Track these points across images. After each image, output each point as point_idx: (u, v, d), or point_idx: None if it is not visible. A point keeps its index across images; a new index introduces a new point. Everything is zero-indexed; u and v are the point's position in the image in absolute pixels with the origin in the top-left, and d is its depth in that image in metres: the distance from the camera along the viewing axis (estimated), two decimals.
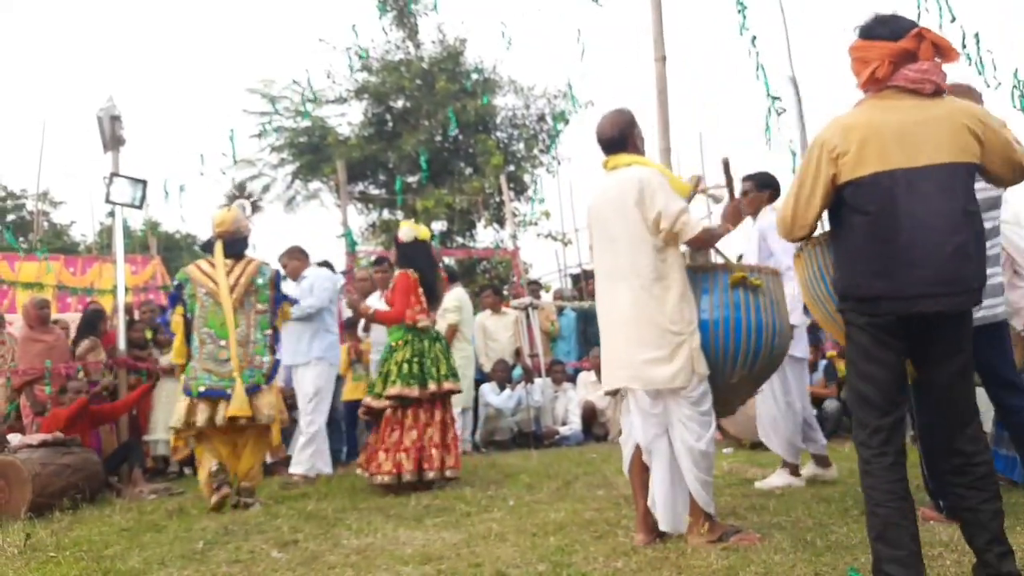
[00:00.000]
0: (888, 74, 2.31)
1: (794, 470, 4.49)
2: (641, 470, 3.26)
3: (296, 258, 6.10)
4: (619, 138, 3.32)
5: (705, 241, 3.18)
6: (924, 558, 2.57)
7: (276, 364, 4.76)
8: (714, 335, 3.14)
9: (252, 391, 4.59)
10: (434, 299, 5.34)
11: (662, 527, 3.17)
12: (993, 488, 2.32)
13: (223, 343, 4.62)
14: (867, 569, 2.58)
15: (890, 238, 2.26)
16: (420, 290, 5.14)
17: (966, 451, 2.33)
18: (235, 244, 4.78)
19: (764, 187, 4.64)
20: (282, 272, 5.22)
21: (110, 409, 6.00)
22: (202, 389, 4.59)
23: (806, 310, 5.15)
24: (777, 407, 4.44)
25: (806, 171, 2.41)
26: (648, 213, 3.09)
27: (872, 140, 2.28)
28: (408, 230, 5.32)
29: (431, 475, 4.91)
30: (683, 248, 3.28)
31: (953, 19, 5.28)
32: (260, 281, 4.74)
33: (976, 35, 5.67)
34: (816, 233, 2.60)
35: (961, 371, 2.35)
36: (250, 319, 4.68)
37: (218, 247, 4.75)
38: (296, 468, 5.61)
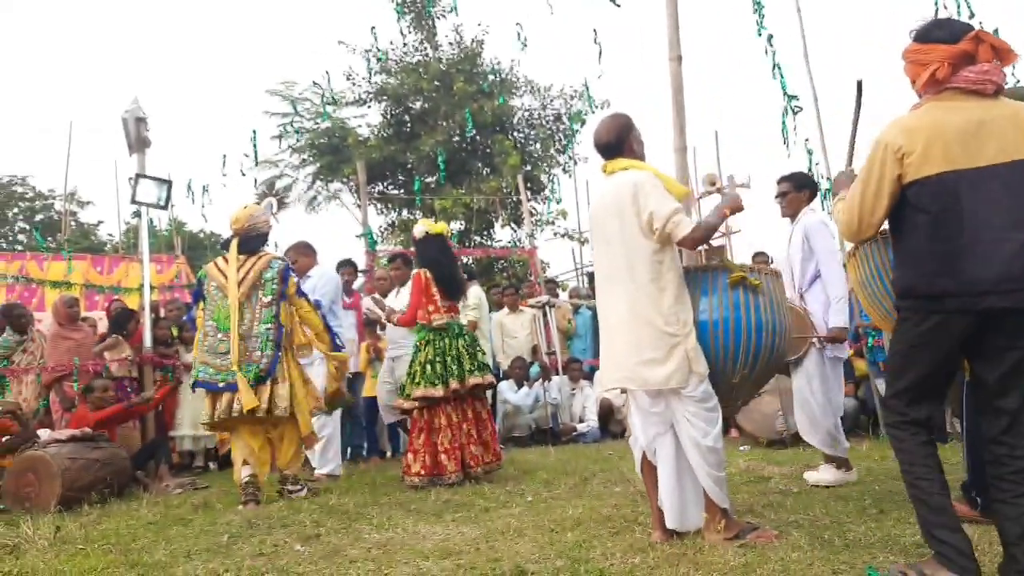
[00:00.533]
0: (947, 75, 2.37)
1: (840, 463, 4.42)
2: (652, 469, 3.28)
3: (303, 254, 6.01)
4: (615, 143, 3.33)
5: (700, 238, 3.13)
6: None
7: (275, 358, 4.66)
8: (714, 335, 3.15)
9: (254, 384, 4.58)
10: (455, 290, 5.31)
11: (669, 525, 3.18)
12: None
13: (222, 336, 4.65)
14: (885, 567, 2.61)
15: (953, 237, 2.32)
16: (434, 288, 5.16)
17: (1009, 443, 2.38)
18: (250, 241, 4.84)
19: (802, 187, 4.58)
20: (292, 267, 5.20)
21: (135, 410, 6.10)
22: (193, 380, 4.72)
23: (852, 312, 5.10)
24: (816, 403, 4.41)
25: (870, 172, 2.45)
26: (641, 215, 3.10)
27: (936, 141, 2.33)
28: (420, 226, 5.34)
29: (479, 471, 4.99)
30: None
31: (972, 15, 5.23)
32: (268, 275, 4.74)
33: (995, 31, 5.63)
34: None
35: (1016, 366, 2.37)
36: (255, 313, 4.69)
37: (233, 243, 4.83)
38: (322, 469, 5.68)
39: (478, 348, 5.31)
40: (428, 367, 5.02)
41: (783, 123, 5.15)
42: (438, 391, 4.96)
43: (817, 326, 4.40)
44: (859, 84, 3.22)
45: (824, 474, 4.42)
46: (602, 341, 3.38)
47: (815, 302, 4.47)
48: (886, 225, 2.62)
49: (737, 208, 3.24)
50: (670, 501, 3.17)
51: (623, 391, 3.40)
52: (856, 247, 2.92)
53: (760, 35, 4.87)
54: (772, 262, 8.16)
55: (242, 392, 4.54)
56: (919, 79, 2.44)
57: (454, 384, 4.99)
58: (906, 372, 2.50)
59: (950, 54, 2.36)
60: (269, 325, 4.68)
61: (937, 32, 2.42)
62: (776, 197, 4.67)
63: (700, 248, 3.29)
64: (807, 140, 6.16)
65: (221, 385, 4.59)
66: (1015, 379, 2.39)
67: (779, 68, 4.92)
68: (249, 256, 4.79)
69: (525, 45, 7.16)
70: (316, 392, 5.00)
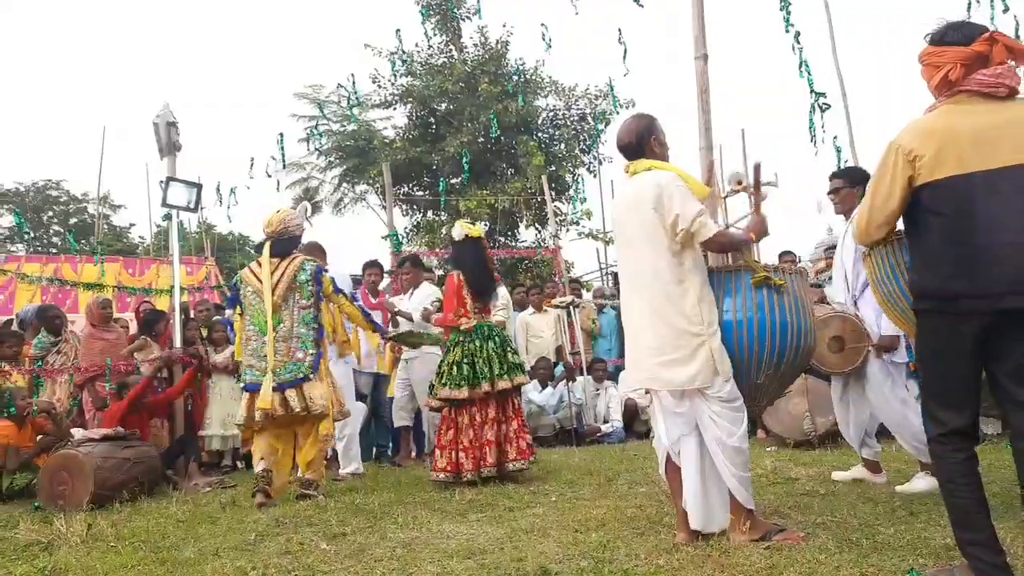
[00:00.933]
0: (960, 77, 2.39)
1: (872, 467, 4.26)
2: (676, 470, 3.26)
3: (315, 255, 5.99)
4: (636, 144, 3.33)
5: (722, 244, 3.17)
6: None
7: (318, 356, 4.79)
8: (738, 336, 3.13)
9: (295, 384, 4.68)
10: (484, 294, 5.30)
11: (693, 526, 3.16)
12: None
13: (264, 339, 4.75)
14: (920, 570, 2.60)
15: (967, 239, 2.33)
16: (465, 291, 5.18)
17: None
18: (282, 244, 4.92)
19: (857, 183, 4.32)
20: (324, 268, 5.21)
21: (164, 397, 6.18)
22: (243, 384, 4.86)
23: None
24: (898, 405, 4.22)
25: (882, 175, 2.47)
26: (666, 217, 3.10)
27: (950, 144, 2.35)
28: (458, 228, 5.37)
29: (486, 472, 4.96)
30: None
31: (1006, 9, 5.13)
32: (302, 277, 4.82)
33: None
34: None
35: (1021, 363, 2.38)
36: (294, 315, 4.78)
37: (266, 247, 4.91)
38: (346, 468, 5.74)
39: (509, 349, 5.26)
40: (455, 368, 5.06)
41: (810, 121, 5.07)
42: (462, 393, 4.99)
43: (871, 333, 4.22)
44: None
45: (919, 483, 4.05)
46: (626, 342, 3.39)
47: (867, 307, 4.25)
48: (901, 226, 2.61)
49: (762, 234, 3.25)
50: (694, 502, 3.16)
51: (647, 391, 3.40)
52: (871, 248, 2.92)
53: (787, 31, 4.81)
54: (800, 261, 8.08)
55: (263, 393, 4.63)
56: (933, 81, 2.45)
57: (485, 387, 4.99)
58: (934, 377, 2.51)
59: (963, 56, 2.38)
60: (310, 326, 4.79)
61: (952, 34, 2.44)
62: (829, 193, 4.50)
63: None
64: (835, 138, 6.07)
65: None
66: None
67: (806, 65, 4.85)
68: (282, 259, 4.87)
69: (550, 46, 7.14)
70: (341, 397, 5.06)
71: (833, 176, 4.53)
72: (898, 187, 2.44)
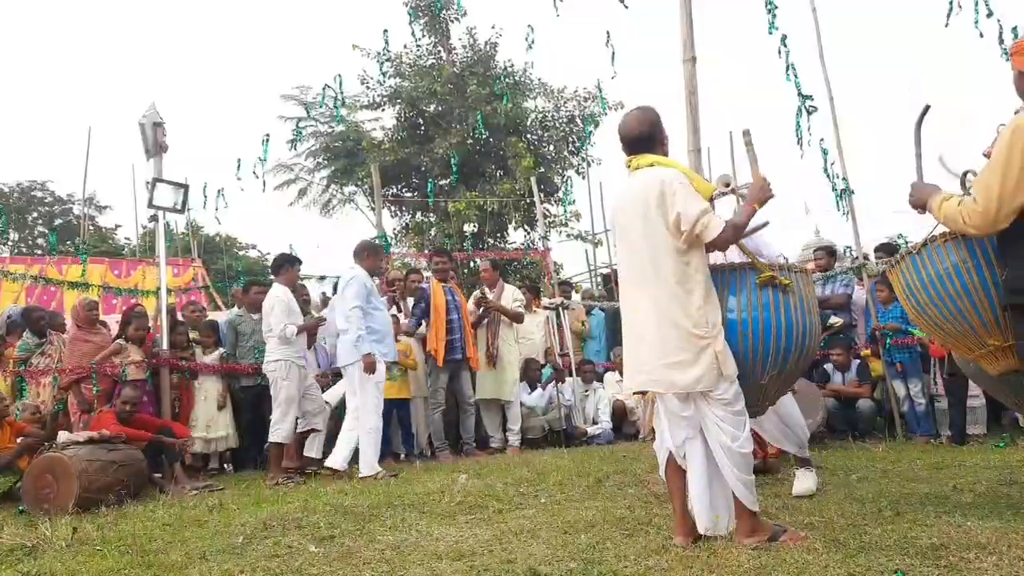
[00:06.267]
0: None
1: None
2: (676, 473, 3.23)
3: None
4: (647, 136, 3.23)
5: (731, 239, 3.08)
6: (961, 561, 2.65)
7: None
8: (743, 336, 3.08)
9: None
10: None
11: (700, 529, 3.15)
12: None
13: None
14: (911, 569, 2.61)
15: None
16: None
17: None
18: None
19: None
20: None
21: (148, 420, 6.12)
22: None
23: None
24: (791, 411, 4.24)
25: (1011, 158, 2.42)
26: (668, 215, 3.02)
27: None
28: None
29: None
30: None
31: (990, 14, 5.18)
32: None
33: (1014, 29, 5.55)
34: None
35: None
36: None
37: None
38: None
39: None
40: None
41: (797, 123, 5.11)
42: None
43: None
44: (926, 107, 3.14)
45: (806, 482, 4.19)
46: (626, 343, 3.30)
47: None
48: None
49: (765, 199, 3.13)
50: (701, 504, 3.14)
51: (643, 394, 3.36)
52: (917, 250, 2.90)
53: (771, 34, 4.84)
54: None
55: None
56: None
57: None
58: None
59: None
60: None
61: None
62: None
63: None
64: (822, 140, 6.12)
65: None
66: None
67: (793, 68, 4.88)
68: None
69: (531, 46, 7.16)
70: None
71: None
72: None
